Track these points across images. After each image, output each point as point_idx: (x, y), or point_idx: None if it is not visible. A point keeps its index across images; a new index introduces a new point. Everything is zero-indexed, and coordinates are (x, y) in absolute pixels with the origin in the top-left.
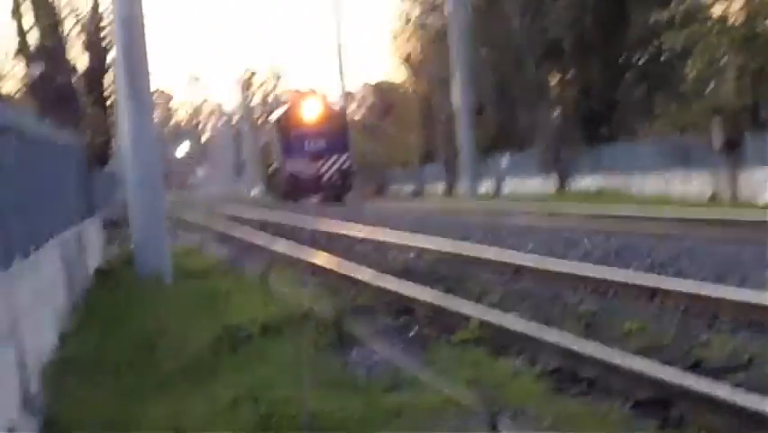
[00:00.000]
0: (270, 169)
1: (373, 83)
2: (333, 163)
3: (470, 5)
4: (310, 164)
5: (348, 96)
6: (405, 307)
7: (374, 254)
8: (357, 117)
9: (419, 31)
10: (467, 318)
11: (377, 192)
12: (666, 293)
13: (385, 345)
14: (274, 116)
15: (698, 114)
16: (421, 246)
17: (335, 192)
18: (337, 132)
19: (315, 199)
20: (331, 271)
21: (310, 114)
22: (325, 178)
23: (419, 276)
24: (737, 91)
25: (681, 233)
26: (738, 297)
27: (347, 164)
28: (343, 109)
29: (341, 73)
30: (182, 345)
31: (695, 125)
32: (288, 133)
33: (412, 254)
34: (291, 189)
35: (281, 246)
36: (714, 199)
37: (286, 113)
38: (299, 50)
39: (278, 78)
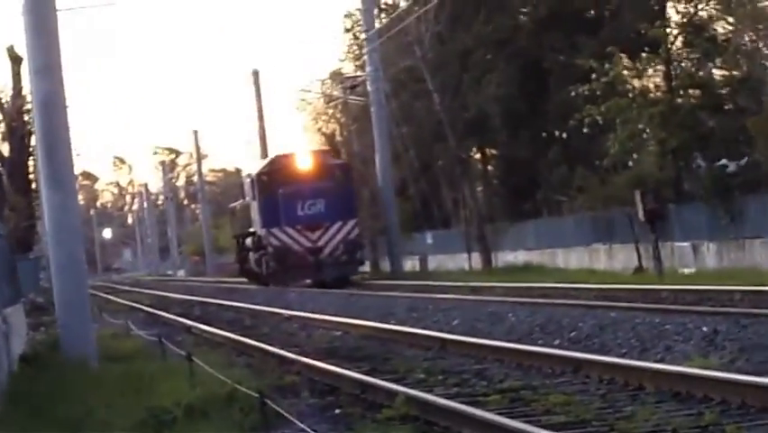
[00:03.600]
0: (244, 243)
1: None
2: (337, 232)
3: (390, 81)
4: (305, 234)
5: None
6: (330, 385)
7: (301, 333)
8: None
9: (341, 109)
10: (393, 394)
11: None
12: (591, 366)
13: (311, 423)
14: (252, 170)
15: (620, 187)
16: (348, 323)
17: (340, 272)
18: (341, 190)
19: (308, 281)
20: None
21: (304, 166)
22: (326, 252)
23: (346, 353)
24: (659, 164)
25: (606, 305)
26: (662, 367)
27: (354, 233)
28: (347, 163)
29: (264, 154)
30: (108, 428)
31: (618, 199)
32: (274, 193)
33: (338, 332)
34: (277, 270)
35: (206, 328)
36: (639, 271)
37: (270, 166)
38: (222, 131)
39: (202, 157)
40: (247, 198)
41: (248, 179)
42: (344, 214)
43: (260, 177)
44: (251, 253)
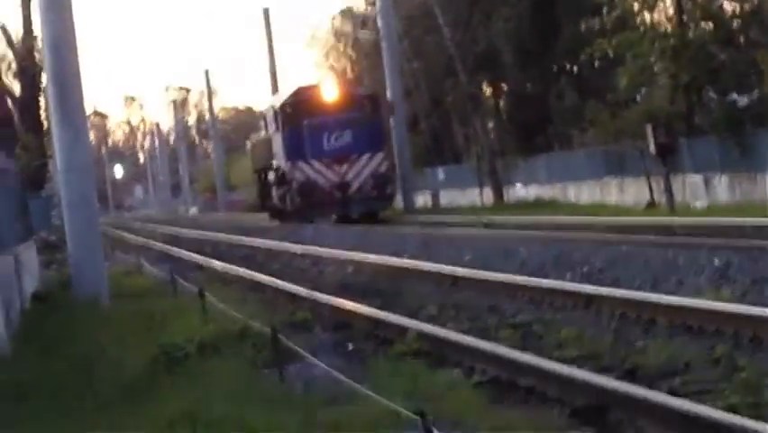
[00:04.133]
0: (266, 178)
1: None
2: (365, 166)
3: (401, 19)
4: (331, 168)
5: None
6: (343, 321)
7: (313, 269)
8: None
9: (352, 46)
10: (405, 330)
11: None
12: (602, 300)
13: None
14: (275, 102)
15: (631, 121)
16: (359, 259)
17: (368, 207)
18: (369, 122)
19: (334, 217)
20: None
21: (330, 97)
22: (354, 187)
23: (358, 290)
24: (670, 98)
25: (618, 240)
26: (674, 302)
27: (384, 167)
28: (376, 94)
29: (275, 90)
30: (119, 366)
31: (629, 133)
32: (299, 126)
33: (351, 268)
34: (302, 206)
35: (218, 265)
36: (651, 206)
37: (294, 97)
38: (232, 69)
39: (213, 95)
40: (269, 131)
41: (271, 111)
42: (373, 146)
43: (284, 108)
44: (273, 189)
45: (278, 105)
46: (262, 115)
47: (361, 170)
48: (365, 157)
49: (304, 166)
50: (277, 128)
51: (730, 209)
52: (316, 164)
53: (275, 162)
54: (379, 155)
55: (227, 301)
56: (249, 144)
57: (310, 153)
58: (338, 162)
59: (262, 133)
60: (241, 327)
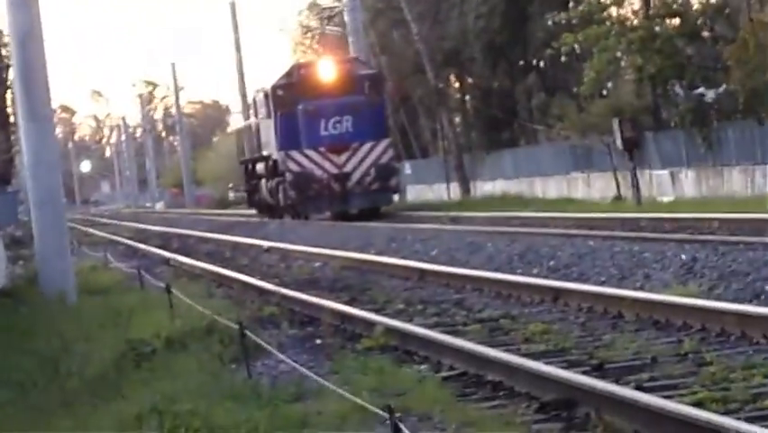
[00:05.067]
0: (254, 170)
1: None
2: (367, 155)
3: (368, 13)
4: (329, 158)
5: (250, 106)
6: (310, 316)
7: (280, 264)
8: None
9: (319, 40)
10: (372, 325)
11: None
12: (569, 295)
13: (291, 354)
14: (266, 84)
15: (598, 115)
16: (327, 254)
17: (370, 202)
18: (371, 105)
19: (331, 213)
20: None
21: (328, 77)
22: (354, 178)
23: (325, 284)
24: (637, 92)
25: (584, 234)
26: (641, 296)
27: (388, 156)
28: (379, 73)
29: (242, 86)
30: (86, 361)
31: (596, 127)
32: (293, 110)
33: (318, 263)
34: (296, 200)
35: (185, 260)
36: (617, 200)
37: (288, 77)
38: (199, 63)
39: (180, 90)
40: (259, 116)
41: (260, 94)
42: (376, 133)
43: (276, 90)
44: (263, 181)
45: (268, 87)
46: (253, 100)
47: (363, 160)
48: (367, 145)
49: (298, 156)
50: (268, 113)
51: (696, 204)
52: (312, 154)
53: (265, 152)
54: (383, 143)
55: (194, 297)
56: (235, 133)
57: (305, 141)
58: (337, 151)
59: (251, 119)
60: (208, 322)
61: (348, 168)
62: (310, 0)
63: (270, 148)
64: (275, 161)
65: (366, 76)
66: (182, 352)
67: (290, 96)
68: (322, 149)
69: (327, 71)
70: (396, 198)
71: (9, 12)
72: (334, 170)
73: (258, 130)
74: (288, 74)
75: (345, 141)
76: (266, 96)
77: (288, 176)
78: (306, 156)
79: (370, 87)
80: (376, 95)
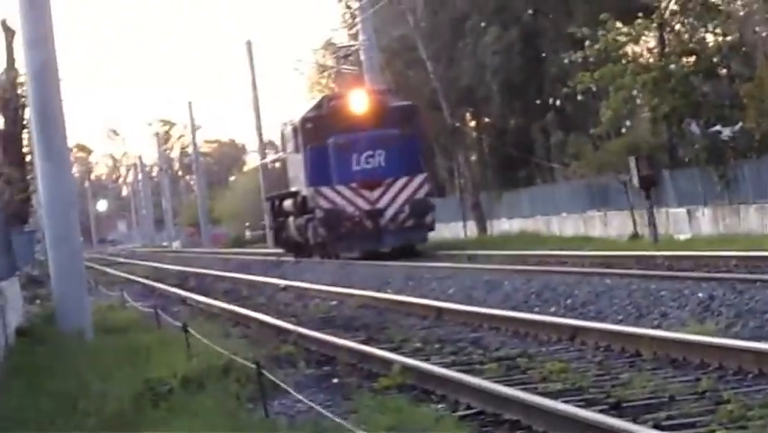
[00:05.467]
0: (281, 207)
1: None
2: (401, 191)
3: (383, 52)
4: (361, 194)
5: (267, 145)
6: (327, 355)
7: (297, 303)
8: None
9: (335, 79)
10: (390, 364)
11: None
12: (586, 333)
13: (308, 394)
14: (294, 117)
15: (614, 154)
16: (344, 293)
17: (404, 239)
18: (406, 139)
19: (363, 252)
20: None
21: (361, 109)
22: (388, 215)
23: (342, 323)
24: (653, 130)
25: (602, 273)
26: (658, 334)
27: (423, 191)
28: (415, 106)
29: (258, 124)
30: (104, 400)
31: (613, 165)
32: (323, 143)
33: (335, 302)
34: (327, 238)
35: (202, 299)
36: (634, 238)
37: (318, 110)
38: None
39: (197, 129)
40: (287, 150)
41: (288, 128)
42: (410, 168)
43: (306, 123)
44: (290, 219)
45: (297, 119)
46: (281, 133)
47: (397, 196)
48: (401, 181)
49: (329, 192)
50: (296, 147)
51: (713, 241)
52: (344, 189)
53: (294, 188)
54: (418, 178)
55: (211, 336)
56: (260, 168)
57: (337, 177)
58: (369, 187)
59: (279, 153)
60: (224, 361)
61: (381, 204)
62: (326, 39)
63: (299, 184)
64: (304, 198)
65: (399, 108)
66: (199, 391)
67: (320, 129)
68: (354, 184)
69: (359, 103)
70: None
71: (26, 50)
72: (367, 207)
73: (285, 165)
74: (318, 106)
75: (378, 176)
76: (294, 129)
77: (319, 213)
78: (338, 192)
79: (403, 119)
80: (410, 127)
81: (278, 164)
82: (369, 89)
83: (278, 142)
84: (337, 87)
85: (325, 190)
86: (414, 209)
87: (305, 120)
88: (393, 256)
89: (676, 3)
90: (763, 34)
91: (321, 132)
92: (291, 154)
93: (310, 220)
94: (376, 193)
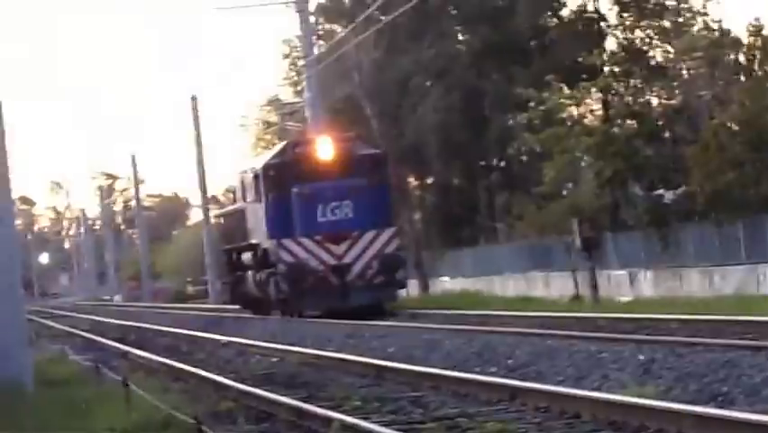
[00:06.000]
0: (239, 260)
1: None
2: (369, 245)
3: (328, 109)
4: (327, 248)
5: (210, 200)
6: (267, 412)
7: (238, 359)
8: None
9: (279, 135)
10: (329, 421)
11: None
12: (526, 394)
13: None
14: (255, 164)
15: (557, 214)
16: (284, 349)
17: (372, 297)
18: (374, 189)
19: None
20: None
21: (326, 156)
22: (355, 271)
23: (282, 380)
24: (596, 192)
25: (543, 333)
26: (598, 397)
27: (392, 246)
28: (383, 153)
29: (202, 179)
30: None
31: (555, 227)
32: (286, 193)
33: (275, 358)
34: (289, 294)
35: (142, 354)
36: (576, 300)
37: (282, 156)
38: (159, 157)
39: (140, 182)
40: (247, 200)
41: (248, 175)
42: (379, 220)
43: (268, 171)
44: (249, 273)
45: (259, 166)
46: (239, 182)
47: (365, 251)
48: (370, 234)
49: (292, 245)
50: (257, 196)
51: (655, 304)
52: (308, 243)
53: (253, 240)
54: (388, 231)
55: (151, 391)
56: (215, 219)
57: (300, 228)
58: (335, 240)
59: (237, 204)
60: (164, 416)
61: (348, 259)
62: (271, 96)
63: (260, 235)
64: (265, 250)
65: (368, 156)
66: None
67: (283, 177)
68: (318, 237)
69: (325, 150)
70: (400, 291)
71: None
72: (333, 262)
73: (245, 215)
74: (282, 152)
75: (345, 228)
76: (255, 177)
77: (281, 267)
78: (301, 245)
79: (372, 168)
80: (379, 177)
81: (236, 214)
82: (336, 135)
83: (222, 198)
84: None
85: (288, 243)
86: (383, 265)
87: (267, 167)
88: (360, 315)
89: (619, 66)
90: (708, 98)
91: (284, 180)
92: (251, 204)
93: (271, 275)
94: (342, 247)
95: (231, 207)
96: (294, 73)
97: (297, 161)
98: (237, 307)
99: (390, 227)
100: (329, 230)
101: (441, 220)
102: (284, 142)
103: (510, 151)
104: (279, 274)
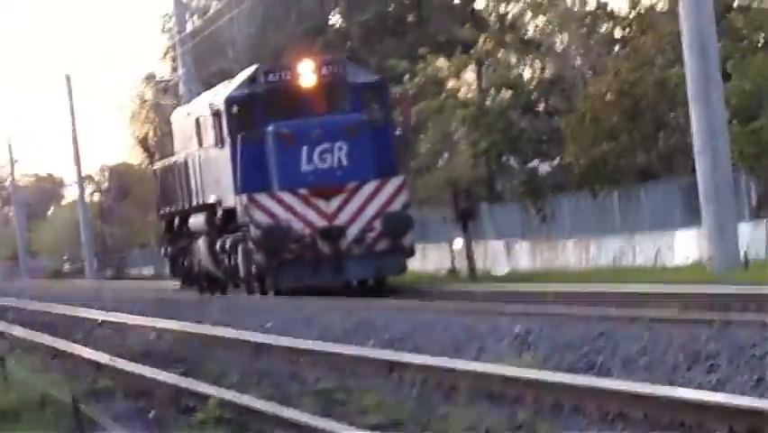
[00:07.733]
0: (184, 225)
1: (110, 165)
2: (369, 201)
3: (203, 85)
4: (314, 205)
5: (86, 179)
6: (145, 389)
7: (115, 336)
8: (95, 200)
9: (155, 111)
10: (207, 397)
11: (116, 275)
12: (404, 367)
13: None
14: (214, 99)
15: (434, 187)
16: (161, 327)
17: (373, 268)
18: (374, 128)
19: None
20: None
21: (310, 84)
22: (351, 236)
23: (159, 358)
24: (471, 164)
25: (419, 307)
26: (475, 368)
27: (401, 201)
28: (383, 81)
29: (77, 157)
30: None
31: (432, 199)
32: (258, 134)
33: (152, 336)
34: (265, 267)
35: (20, 331)
36: (452, 273)
37: (252, 85)
38: (34, 137)
39: (15, 163)
40: (203, 145)
41: (205, 111)
42: (382, 167)
43: (232, 105)
44: (200, 242)
45: (220, 100)
46: (183, 126)
47: (364, 208)
48: (370, 186)
49: (268, 201)
50: (217, 140)
51: (531, 276)
52: (290, 198)
53: (212, 197)
54: (393, 182)
55: (29, 369)
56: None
57: (279, 180)
58: (325, 195)
59: (180, 156)
60: (42, 394)
61: (342, 219)
62: (147, 72)
63: (220, 191)
64: (228, 211)
65: (365, 85)
66: (16, 424)
67: (254, 112)
68: (303, 191)
69: (308, 77)
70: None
71: None
72: (322, 223)
73: (195, 167)
74: (250, 81)
75: (337, 179)
76: (215, 114)
77: (254, 231)
78: (281, 202)
79: (371, 100)
80: (380, 112)
81: (179, 168)
82: (322, 58)
83: (97, 176)
84: (157, 119)
85: (263, 199)
86: (388, 226)
87: (231, 100)
88: (358, 291)
89: (492, 39)
90: (583, 69)
91: (255, 117)
92: (206, 150)
93: (239, 242)
94: (334, 203)
95: (170, 161)
96: (172, 48)
97: (272, 91)
98: (176, 285)
99: (397, 176)
100: (316, 182)
101: None
102: (253, 67)
103: None
104: (252, 240)
